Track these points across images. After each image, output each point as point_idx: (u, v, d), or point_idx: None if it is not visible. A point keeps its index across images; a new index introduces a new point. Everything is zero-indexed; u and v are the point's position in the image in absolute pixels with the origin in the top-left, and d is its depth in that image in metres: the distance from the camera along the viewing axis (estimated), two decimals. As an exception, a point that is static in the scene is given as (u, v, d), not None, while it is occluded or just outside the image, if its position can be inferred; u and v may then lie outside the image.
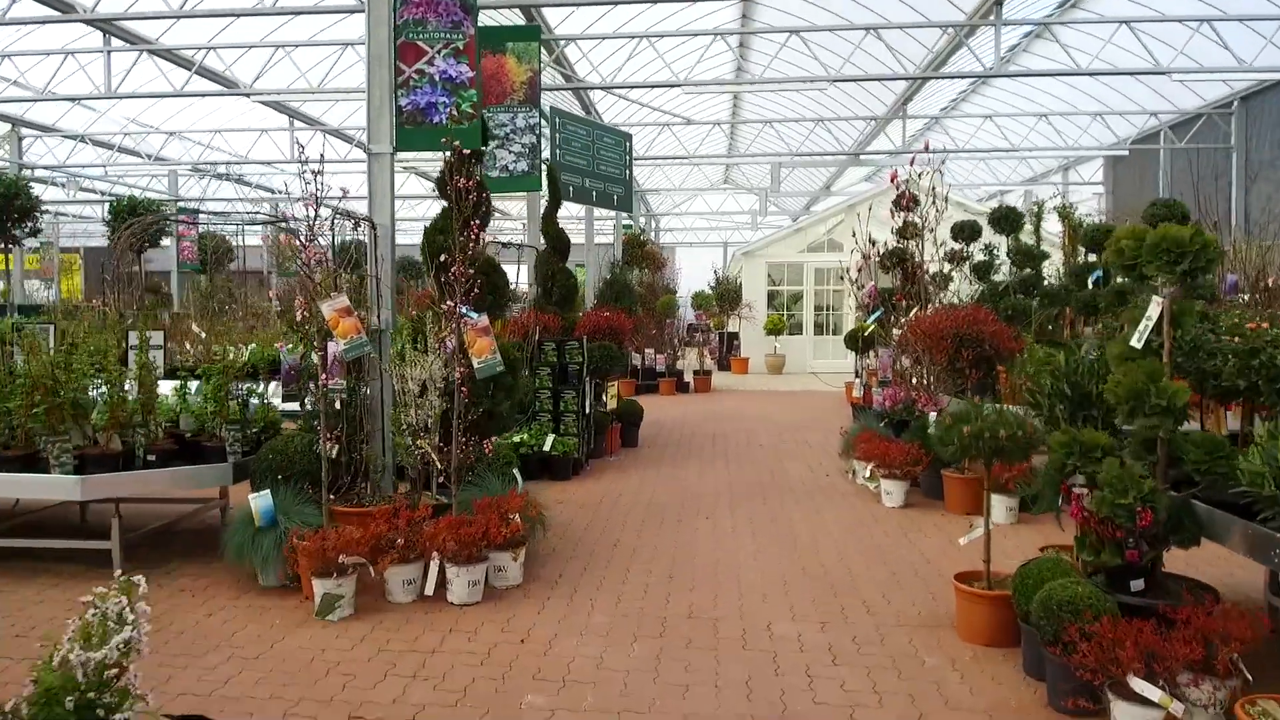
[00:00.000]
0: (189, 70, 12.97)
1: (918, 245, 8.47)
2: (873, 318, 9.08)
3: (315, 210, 5.53)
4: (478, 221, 5.62)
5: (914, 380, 8.88)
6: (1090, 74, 12.80)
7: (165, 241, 20.33)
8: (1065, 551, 5.44)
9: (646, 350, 16.86)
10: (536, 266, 11.72)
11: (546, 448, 8.57)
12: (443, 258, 5.69)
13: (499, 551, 5.41)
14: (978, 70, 12.58)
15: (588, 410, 9.28)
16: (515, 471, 6.05)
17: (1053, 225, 10.84)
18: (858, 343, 13.57)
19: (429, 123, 6.63)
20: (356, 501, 6.03)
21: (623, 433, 10.68)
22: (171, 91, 13.33)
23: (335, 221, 5.97)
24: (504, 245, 9.03)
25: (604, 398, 9.78)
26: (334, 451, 5.97)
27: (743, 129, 25.27)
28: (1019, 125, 19.79)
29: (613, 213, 24.27)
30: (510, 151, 8.77)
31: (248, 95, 13.64)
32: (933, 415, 7.93)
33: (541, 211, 11.75)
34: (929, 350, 7.23)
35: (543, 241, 11.68)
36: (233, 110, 19.47)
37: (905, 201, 8.67)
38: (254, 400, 6.62)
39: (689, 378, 17.43)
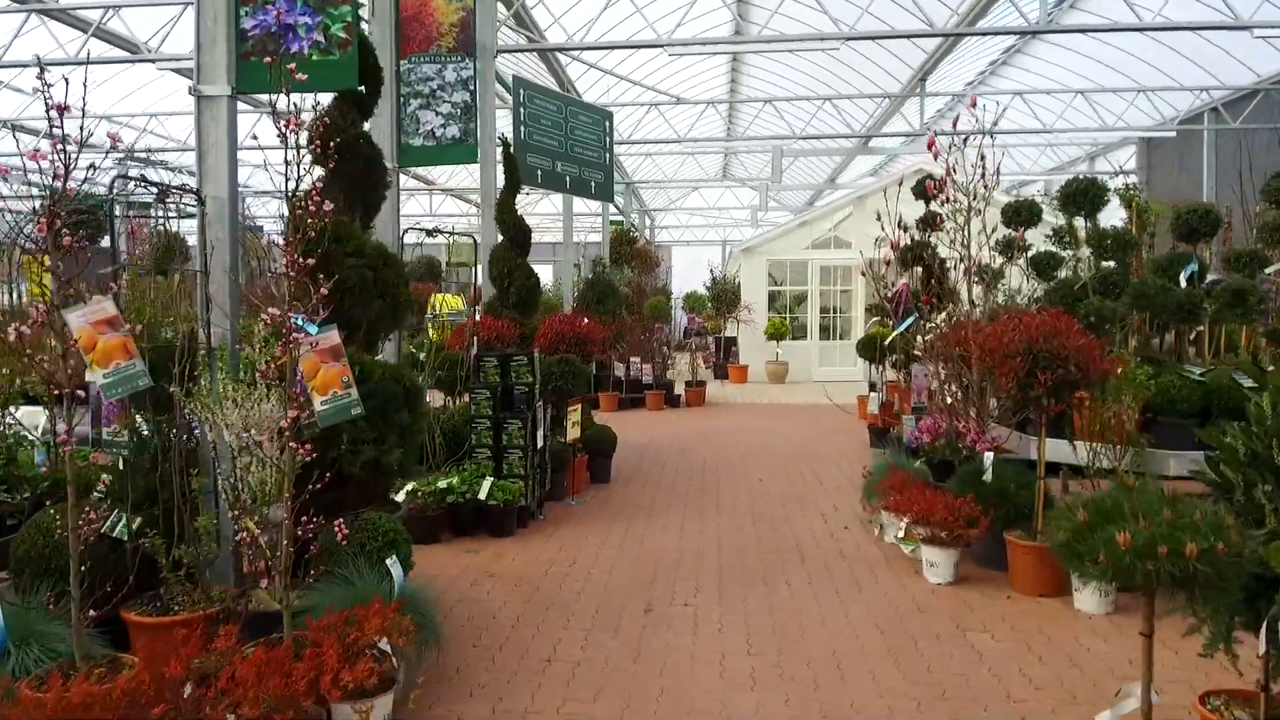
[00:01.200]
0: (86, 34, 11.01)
1: (960, 234, 6.51)
2: (904, 324, 7.11)
3: (64, 162, 3.56)
4: (318, 182, 3.62)
5: (947, 399, 6.90)
6: (1154, 29, 10.83)
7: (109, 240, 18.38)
8: (1239, 699, 3.48)
9: (632, 359, 14.88)
10: (491, 262, 9.78)
11: (482, 496, 6.59)
12: (268, 238, 3.70)
13: (347, 703, 3.44)
14: (1020, 26, 10.61)
15: (540, 443, 7.30)
16: (392, 562, 4.07)
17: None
18: (875, 351, 11.61)
19: (285, 52, 4.67)
20: (162, 607, 4.07)
21: (591, 465, 8.70)
22: (65, 59, 11.35)
23: (121, 183, 3.99)
24: (429, 234, 7.04)
25: (565, 425, 7.80)
26: (123, 531, 4.02)
27: (741, 114, 23.19)
28: (1046, 112, 17.81)
29: (598, 207, 22.34)
30: (437, 112, 6.82)
31: (152, 61, 11.68)
32: (988, 457, 5.96)
33: (497, 197, 9.81)
34: (993, 371, 5.27)
35: (497, 233, 9.75)
36: (183, 98, 17.70)
37: (940, 183, 6.68)
38: (38, 448, 4.68)
39: (680, 390, 15.45)
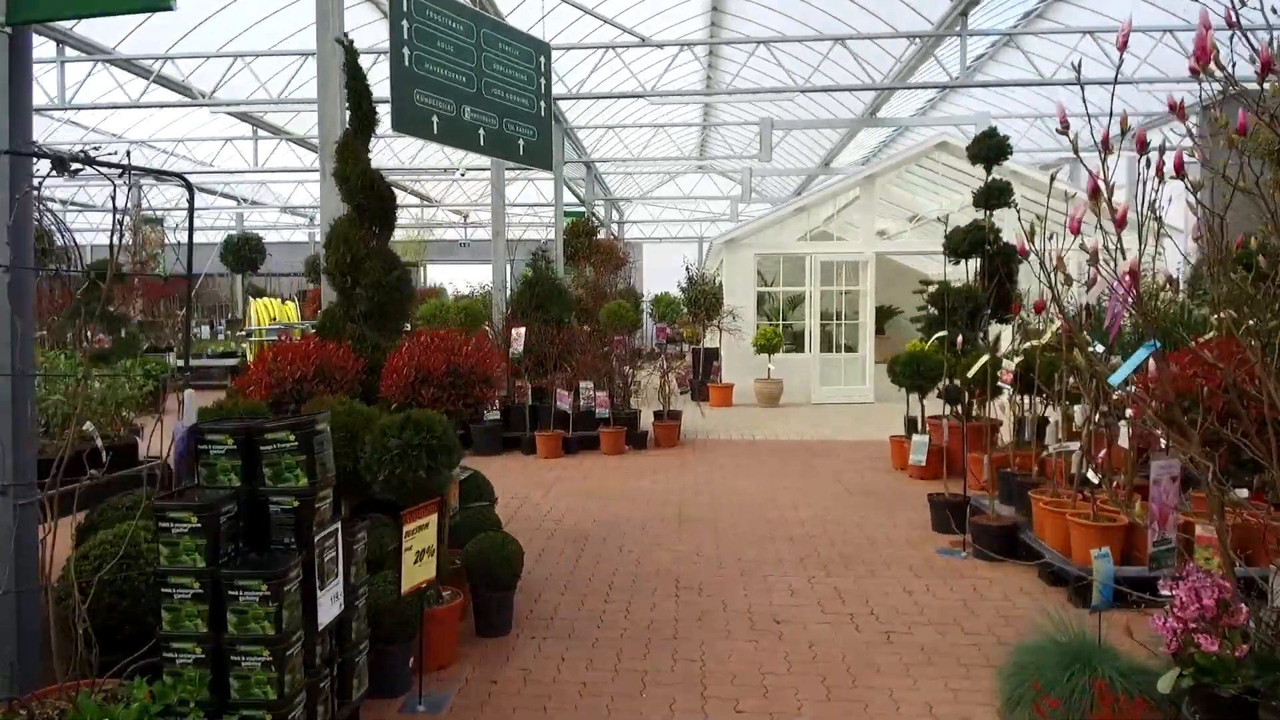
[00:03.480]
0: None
1: (1269, 160, 2.83)
2: (1137, 359, 3.33)
3: None
4: None
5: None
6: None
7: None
8: None
9: (583, 385, 11.05)
10: (328, 246, 6.01)
11: (147, 783, 2.73)
12: None
13: None
14: None
15: (331, 615, 3.45)
16: None
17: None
18: (947, 377, 7.94)
19: None
20: None
21: (478, 604, 4.87)
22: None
23: None
24: (58, 166, 3.04)
25: (408, 556, 3.92)
26: None
27: (724, 64, 19.00)
28: (1099, 64, 14.22)
29: (552, 195, 18.54)
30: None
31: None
32: None
33: (338, 141, 6.01)
34: None
35: (339, 198, 5.97)
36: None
37: (1203, 55, 2.95)
38: None
39: (647, 423, 11.64)
